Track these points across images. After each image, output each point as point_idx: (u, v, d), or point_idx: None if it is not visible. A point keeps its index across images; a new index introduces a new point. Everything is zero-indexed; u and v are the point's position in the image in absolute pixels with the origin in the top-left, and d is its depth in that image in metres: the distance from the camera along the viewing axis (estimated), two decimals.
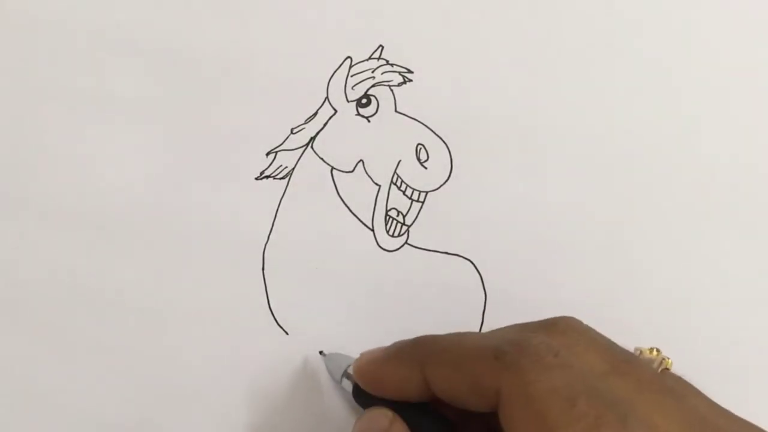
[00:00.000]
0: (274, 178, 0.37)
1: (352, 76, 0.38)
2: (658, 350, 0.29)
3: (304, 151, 0.37)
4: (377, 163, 0.37)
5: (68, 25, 0.38)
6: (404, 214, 0.36)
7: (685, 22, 0.38)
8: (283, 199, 0.37)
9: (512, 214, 0.36)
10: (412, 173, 0.37)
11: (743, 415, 0.27)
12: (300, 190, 0.37)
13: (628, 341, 0.28)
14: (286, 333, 0.35)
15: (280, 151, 0.37)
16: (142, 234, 0.36)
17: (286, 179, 0.37)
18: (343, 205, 0.37)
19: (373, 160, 0.37)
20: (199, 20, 0.38)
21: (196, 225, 0.36)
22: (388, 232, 0.36)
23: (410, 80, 0.38)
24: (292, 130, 0.37)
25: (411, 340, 0.30)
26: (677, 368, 0.29)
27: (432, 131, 0.37)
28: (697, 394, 0.27)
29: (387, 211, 0.37)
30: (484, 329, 0.35)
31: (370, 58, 0.38)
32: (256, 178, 0.37)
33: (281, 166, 0.37)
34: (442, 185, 0.37)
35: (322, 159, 0.37)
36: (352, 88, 0.37)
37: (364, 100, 0.37)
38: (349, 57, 0.38)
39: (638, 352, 0.29)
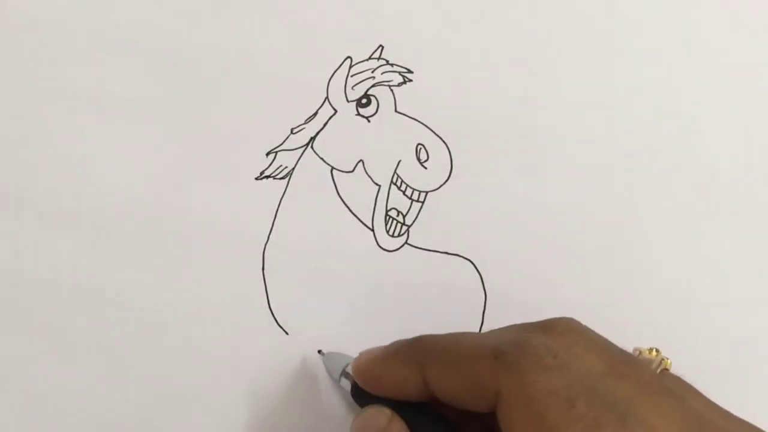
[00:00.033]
0: (274, 178, 0.37)
1: (352, 76, 0.38)
2: (657, 350, 0.29)
3: (304, 151, 0.37)
4: (377, 163, 0.37)
5: (68, 25, 0.38)
6: (404, 214, 0.36)
7: (685, 22, 0.38)
8: (283, 199, 0.37)
9: (512, 214, 0.36)
10: (412, 173, 0.37)
11: (743, 416, 0.27)
12: (300, 190, 0.37)
13: (628, 341, 0.28)
14: (286, 333, 0.35)
15: (280, 151, 0.37)
16: (142, 234, 0.36)
17: (286, 179, 0.37)
18: (343, 205, 0.37)
19: (373, 160, 0.37)
20: (199, 20, 0.38)
21: (196, 225, 0.36)
22: (388, 232, 0.36)
23: (410, 80, 0.38)
24: (292, 130, 0.37)
25: (410, 340, 0.30)
26: (677, 368, 0.29)
27: (432, 131, 0.37)
28: (696, 395, 0.27)
29: (387, 211, 0.37)
30: (484, 329, 0.35)
31: (370, 58, 0.38)
32: (256, 178, 0.37)
33: (281, 166, 0.37)
34: (442, 185, 0.37)
35: (322, 159, 0.37)
36: (352, 88, 0.37)
37: (364, 100, 0.37)
38: (349, 57, 0.38)
39: (637, 352, 0.29)
